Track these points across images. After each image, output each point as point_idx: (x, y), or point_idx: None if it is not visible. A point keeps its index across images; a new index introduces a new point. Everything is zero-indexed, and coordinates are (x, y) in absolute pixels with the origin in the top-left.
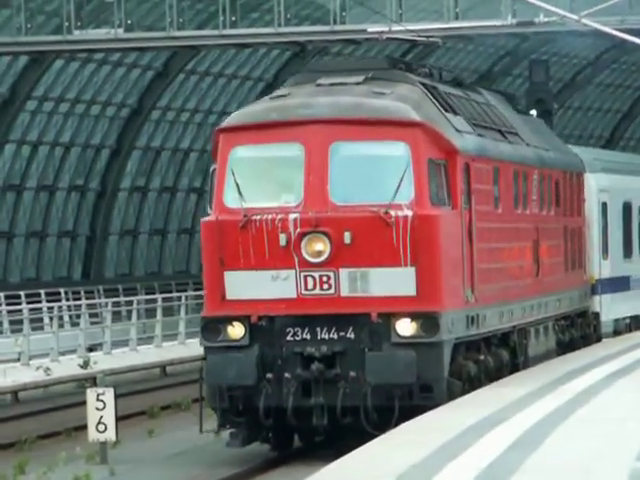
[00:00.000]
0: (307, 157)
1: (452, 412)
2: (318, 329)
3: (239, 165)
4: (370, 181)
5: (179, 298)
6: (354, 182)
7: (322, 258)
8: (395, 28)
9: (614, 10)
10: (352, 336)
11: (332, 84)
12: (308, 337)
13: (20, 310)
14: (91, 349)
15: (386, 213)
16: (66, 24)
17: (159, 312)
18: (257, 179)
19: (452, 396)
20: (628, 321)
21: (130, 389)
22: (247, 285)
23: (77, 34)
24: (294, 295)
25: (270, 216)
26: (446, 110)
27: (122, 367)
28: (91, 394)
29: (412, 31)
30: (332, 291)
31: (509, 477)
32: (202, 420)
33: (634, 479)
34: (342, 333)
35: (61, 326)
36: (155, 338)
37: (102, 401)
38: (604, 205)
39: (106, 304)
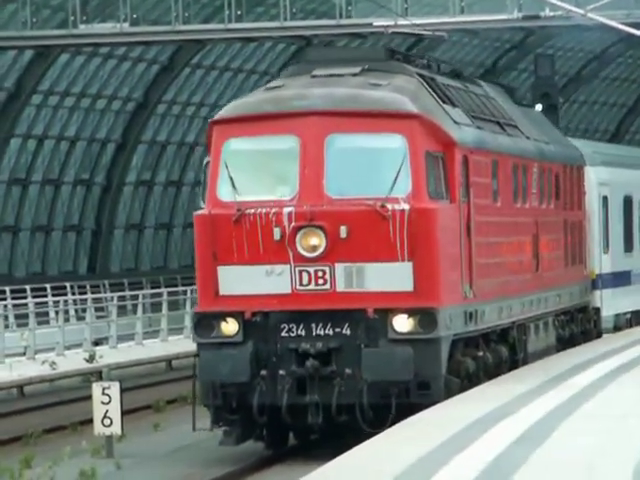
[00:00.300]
0: (302, 149)
1: (454, 408)
2: (313, 325)
3: (233, 158)
4: (366, 174)
5: (185, 292)
6: (350, 175)
7: (317, 253)
8: (401, 22)
9: (620, 4)
10: (348, 332)
11: (328, 75)
12: (303, 333)
13: (26, 304)
14: (97, 343)
15: (383, 207)
16: (72, 18)
17: (165, 306)
18: (251, 172)
19: (450, 394)
20: (629, 316)
21: (136, 383)
22: (241, 280)
23: (83, 28)
24: (289, 290)
25: (264, 210)
26: (444, 102)
27: (128, 361)
28: (97, 388)
29: (418, 25)
30: (327, 286)
31: (514, 471)
32: (195, 418)
33: (638, 474)
34: (338, 329)
35: (67, 320)
36: (161, 332)
37: (108, 395)
38: (605, 199)
39: (112, 298)
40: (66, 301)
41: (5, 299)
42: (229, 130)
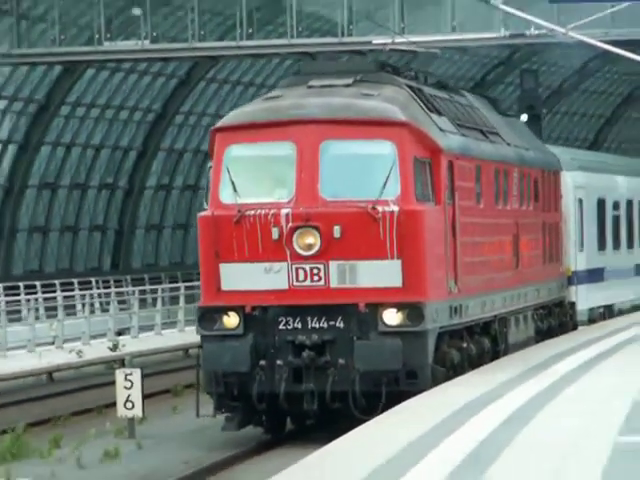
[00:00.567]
0: (299, 155)
1: (442, 394)
2: (309, 319)
3: (234, 163)
4: (358, 178)
5: (200, 286)
6: (343, 179)
7: (313, 251)
8: (398, 40)
9: (598, 23)
10: (341, 325)
11: (323, 86)
12: (299, 326)
13: (55, 297)
14: (120, 333)
15: (373, 208)
16: (97, 36)
17: (182, 299)
18: (251, 176)
19: (436, 382)
20: (602, 310)
21: (155, 369)
22: (241, 277)
23: (107, 45)
24: (286, 286)
25: (263, 211)
26: (431, 111)
27: (148, 350)
28: (120, 374)
29: (413, 42)
30: (322, 283)
31: (501, 451)
32: (199, 405)
33: (618, 453)
34: (332, 322)
35: (92, 312)
36: (178, 323)
37: (130, 381)
38: (580, 201)
39: (133, 292)
40: (92, 295)
41: (36, 293)
42: (230, 137)
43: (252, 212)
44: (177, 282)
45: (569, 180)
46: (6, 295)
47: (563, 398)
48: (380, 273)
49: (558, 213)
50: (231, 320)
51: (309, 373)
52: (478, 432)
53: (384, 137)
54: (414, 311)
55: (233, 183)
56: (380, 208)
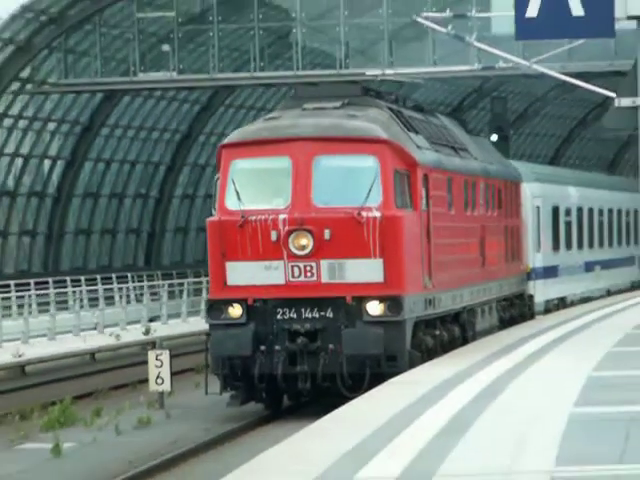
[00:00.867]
0: (294, 168)
1: (423, 373)
2: (303, 309)
3: (238, 175)
4: (346, 187)
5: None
6: (333, 188)
7: (306, 251)
8: (387, 72)
9: (557, 57)
10: (331, 315)
11: (315, 108)
12: (294, 316)
13: (96, 290)
14: (151, 320)
15: (359, 214)
16: (132, 68)
17: (204, 292)
18: (253, 186)
19: (413, 365)
20: (556, 302)
21: (182, 351)
22: (244, 273)
23: (141, 76)
24: (283, 282)
25: (263, 216)
26: (409, 130)
27: (175, 334)
28: (152, 355)
29: (400, 74)
30: (314, 278)
31: (475, 419)
32: (207, 384)
33: (574, 421)
34: (322, 313)
35: (128, 302)
36: (201, 312)
37: (160, 360)
38: (537, 208)
39: (163, 285)
40: (127, 287)
41: (80, 285)
42: (235, 152)
43: (254, 217)
44: (200, 277)
45: (528, 190)
46: (55, 287)
47: (526, 376)
48: (364, 270)
49: (518, 218)
50: (235, 311)
51: (303, 357)
52: (456, 404)
53: (368, 152)
54: (394, 303)
55: (237, 192)
56: (364, 214)
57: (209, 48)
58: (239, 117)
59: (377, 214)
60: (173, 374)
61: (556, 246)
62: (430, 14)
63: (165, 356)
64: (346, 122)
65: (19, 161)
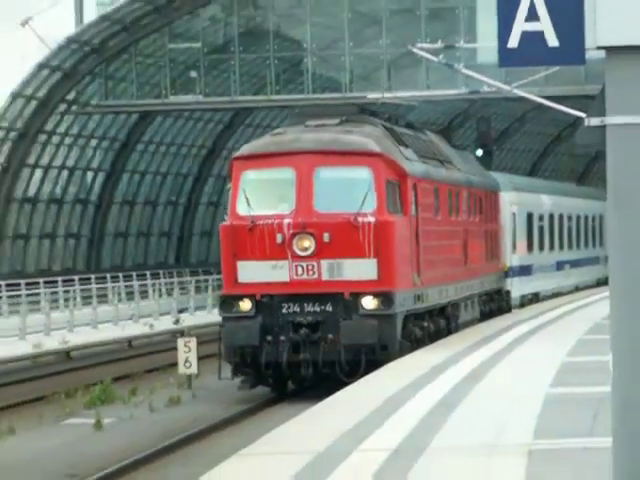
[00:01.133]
0: (297, 178)
1: (414, 359)
2: (305, 304)
3: (248, 184)
4: (343, 195)
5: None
6: (332, 196)
7: (308, 252)
8: (386, 95)
9: (534, 83)
10: (330, 309)
11: (316, 125)
12: (298, 310)
13: (132, 285)
14: (180, 311)
15: (355, 219)
16: (164, 92)
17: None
18: (261, 194)
19: (403, 353)
20: (530, 297)
21: (207, 338)
22: (254, 272)
23: (171, 99)
24: (288, 279)
25: (270, 221)
26: (400, 144)
27: (202, 324)
28: (181, 341)
29: (398, 97)
30: (316, 276)
31: (463, 398)
32: (220, 370)
33: (549, 400)
34: (323, 307)
35: (160, 296)
36: None
37: (188, 346)
38: (513, 214)
39: (191, 281)
40: (160, 283)
41: (118, 281)
42: (245, 164)
43: (262, 222)
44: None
45: (505, 198)
46: (97, 283)
47: (506, 361)
48: (360, 269)
49: (497, 223)
50: (245, 305)
51: (305, 346)
52: (445, 386)
53: (363, 164)
54: (386, 298)
55: (247, 199)
56: (360, 219)
57: (231, 74)
58: (257, 135)
59: (371, 219)
60: (199, 359)
61: (530, 247)
62: (424, 45)
63: (192, 343)
64: (343, 137)
65: (65, 173)
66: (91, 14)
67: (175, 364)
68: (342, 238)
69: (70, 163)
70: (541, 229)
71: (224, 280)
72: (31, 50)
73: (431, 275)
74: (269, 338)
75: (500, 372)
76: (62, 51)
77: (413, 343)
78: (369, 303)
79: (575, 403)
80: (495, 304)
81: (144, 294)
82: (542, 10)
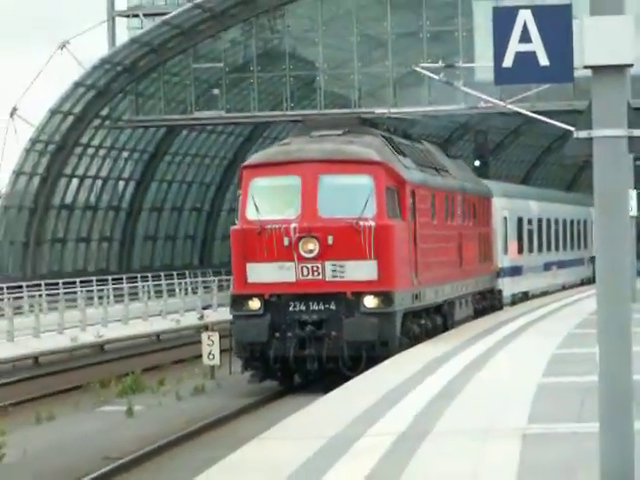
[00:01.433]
0: (303, 185)
1: (415, 353)
2: (311, 303)
3: (257, 191)
4: (346, 201)
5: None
6: (335, 202)
7: (313, 254)
8: (392, 110)
9: (527, 99)
10: (334, 308)
11: (320, 136)
12: (304, 308)
13: (160, 284)
14: (205, 308)
15: (357, 223)
16: (189, 108)
17: None
18: (269, 200)
19: (402, 349)
20: (521, 295)
21: (229, 333)
22: (262, 273)
23: (196, 114)
24: (294, 280)
25: (277, 225)
26: (398, 153)
27: (224, 319)
28: (205, 336)
29: (402, 112)
30: (320, 277)
31: (463, 387)
32: (231, 365)
33: (541, 389)
34: (327, 306)
35: (186, 294)
36: None
37: (211, 340)
38: (505, 219)
39: (214, 280)
40: (185, 282)
41: (148, 281)
42: (254, 172)
43: (270, 226)
44: None
45: (497, 204)
46: (128, 282)
47: (502, 353)
48: (362, 270)
49: (489, 227)
50: (254, 304)
51: (311, 342)
52: (446, 375)
53: (364, 172)
54: (386, 297)
55: (256, 205)
56: (362, 223)
57: (250, 92)
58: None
59: (372, 223)
60: (221, 351)
61: (520, 250)
62: (426, 64)
63: (215, 337)
64: (346, 147)
65: (99, 182)
66: (123, 37)
67: (199, 356)
68: (345, 241)
69: (103, 173)
70: (530, 232)
71: (234, 280)
72: (68, 70)
73: (428, 276)
74: (277, 335)
75: (497, 363)
76: (96, 71)
77: (411, 339)
78: (370, 302)
79: (565, 391)
80: (488, 302)
81: (171, 292)
82: (534, 33)
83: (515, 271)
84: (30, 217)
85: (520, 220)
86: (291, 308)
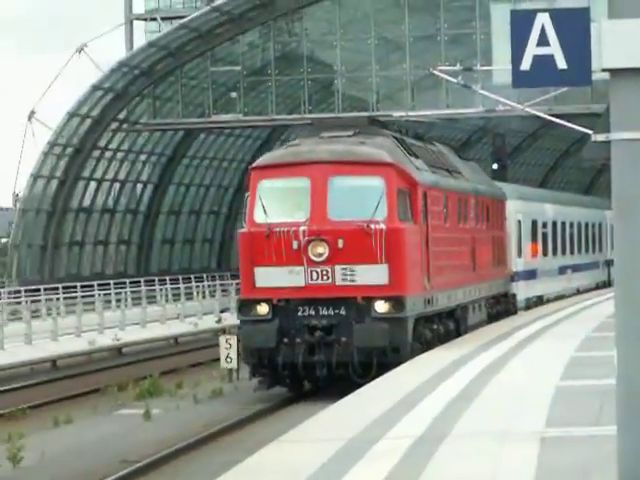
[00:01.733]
0: (312, 187)
1: (432, 357)
2: (320, 308)
3: (265, 192)
4: (356, 204)
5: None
6: (345, 204)
7: (323, 258)
8: (410, 113)
9: (545, 102)
10: (344, 313)
11: (330, 137)
12: (313, 313)
13: (178, 287)
14: (222, 311)
15: (367, 226)
16: (207, 111)
17: None
18: (277, 202)
19: (414, 355)
20: (535, 299)
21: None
22: (270, 277)
23: (214, 117)
24: (303, 284)
25: (286, 228)
26: (410, 155)
27: None
28: (222, 339)
29: (420, 115)
30: (330, 281)
31: (481, 390)
32: (239, 371)
33: (559, 392)
34: (337, 311)
35: (204, 297)
36: None
37: (229, 343)
38: (519, 222)
39: (231, 284)
40: (203, 285)
41: (165, 284)
42: (263, 174)
43: (278, 229)
44: None
45: (511, 206)
46: (146, 285)
47: (519, 357)
48: (372, 274)
49: (503, 230)
50: (263, 309)
51: (320, 348)
52: (464, 379)
53: (375, 174)
54: (398, 302)
55: (264, 208)
56: (372, 226)
57: (268, 95)
58: None
59: (383, 226)
60: (239, 354)
61: (535, 253)
62: (444, 67)
63: (233, 340)
64: (356, 148)
65: (117, 185)
66: (140, 40)
67: (217, 359)
68: (355, 244)
69: (121, 176)
70: (544, 235)
71: (242, 285)
72: (86, 73)
73: (441, 280)
74: (285, 340)
75: (514, 366)
76: (114, 74)
77: (423, 345)
78: (381, 307)
79: (583, 395)
80: (502, 307)
81: (189, 295)
82: (552, 36)
83: (529, 275)
84: (48, 220)
85: (534, 223)
86: (300, 313)
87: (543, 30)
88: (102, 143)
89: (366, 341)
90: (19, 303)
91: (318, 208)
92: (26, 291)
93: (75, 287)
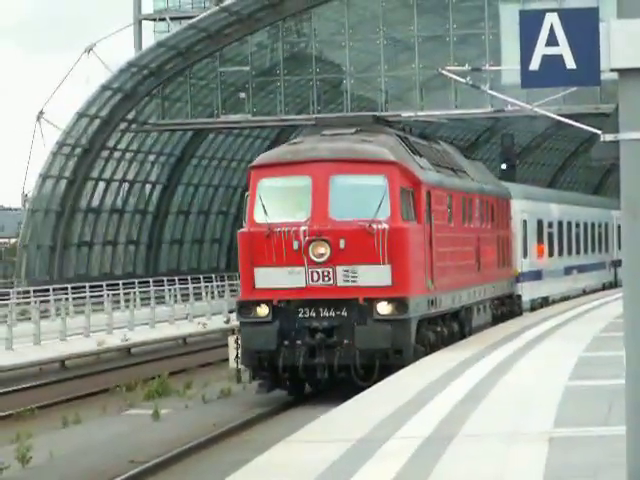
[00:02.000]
0: (313, 186)
1: (438, 358)
2: (321, 309)
3: (265, 192)
4: (358, 203)
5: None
6: (347, 204)
7: (324, 258)
8: (419, 113)
9: (554, 102)
10: (345, 314)
11: (332, 134)
12: (314, 315)
13: (187, 287)
14: (231, 311)
15: (370, 226)
16: (215, 111)
17: None
18: (278, 202)
19: (417, 357)
20: (540, 300)
21: None
22: (270, 278)
23: (222, 117)
24: (304, 285)
25: (287, 228)
26: (414, 153)
27: None
28: (231, 339)
29: (429, 115)
30: (331, 282)
31: (489, 391)
32: (240, 374)
33: (568, 392)
34: (338, 312)
35: (212, 297)
36: None
37: (238, 343)
38: (524, 221)
39: (239, 284)
40: (212, 285)
41: (174, 284)
42: (263, 172)
43: (278, 229)
44: None
45: (516, 206)
46: (155, 286)
47: (527, 357)
48: (375, 275)
49: (508, 230)
50: (263, 310)
51: (321, 350)
52: (471, 380)
53: (378, 172)
54: (400, 303)
55: (264, 207)
56: (375, 226)
57: (277, 95)
58: None
59: (386, 226)
60: (237, 357)
61: (540, 253)
62: (452, 67)
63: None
64: (359, 146)
65: (126, 185)
66: (149, 41)
67: (226, 359)
68: (357, 245)
69: (130, 176)
70: (550, 236)
71: (242, 286)
72: (95, 73)
73: (444, 281)
74: (286, 342)
75: (522, 367)
76: (123, 74)
77: (427, 347)
78: (383, 308)
79: (592, 395)
80: (507, 308)
81: (198, 296)
82: (561, 36)
83: (535, 276)
84: (57, 220)
85: (540, 223)
86: (301, 315)
87: (552, 30)
88: (111, 143)
89: (368, 343)
90: (28, 303)
91: (319, 207)
92: (35, 291)
93: (84, 287)
